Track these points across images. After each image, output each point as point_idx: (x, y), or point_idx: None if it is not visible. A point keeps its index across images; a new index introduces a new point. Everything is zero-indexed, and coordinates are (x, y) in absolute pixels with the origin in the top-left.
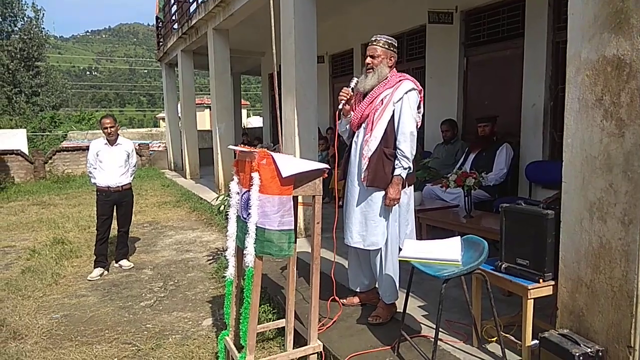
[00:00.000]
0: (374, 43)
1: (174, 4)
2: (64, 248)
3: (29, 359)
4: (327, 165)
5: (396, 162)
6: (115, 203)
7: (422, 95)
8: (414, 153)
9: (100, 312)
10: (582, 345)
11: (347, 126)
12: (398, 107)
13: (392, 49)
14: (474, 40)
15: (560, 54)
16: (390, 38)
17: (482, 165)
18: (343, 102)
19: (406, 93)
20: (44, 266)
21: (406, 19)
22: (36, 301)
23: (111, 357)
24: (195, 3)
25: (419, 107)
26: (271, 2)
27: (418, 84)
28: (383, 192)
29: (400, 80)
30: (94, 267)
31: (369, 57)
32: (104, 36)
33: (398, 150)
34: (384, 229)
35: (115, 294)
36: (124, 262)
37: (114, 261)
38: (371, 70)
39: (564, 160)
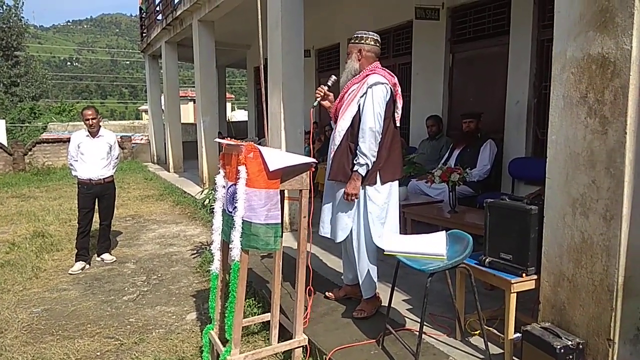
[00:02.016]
0: (349, 41)
1: None
2: (45, 241)
3: (9, 353)
4: (314, 160)
5: (355, 158)
6: (97, 196)
7: (397, 89)
8: (373, 149)
9: (82, 306)
10: (563, 338)
11: None
12: (362, 101)
13: (361, 42)
14: (459, 37)
15: (544, 52)
16: (362, 32)
17: (466, 161)
18: (318, 99)
19: (370, 87)
20: (24, 260)
21: (393, 14)
22: (16, 295)
23: (93, 351)
24: None
25: (394, 101)
26: None
27: (391, 77)
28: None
29: (367, 75)
30: (76, 261)
31: (347, 56)
32: (85, 26)
33: (358, 146)
34: (348, 224)
35: (97, 288)
36: (106, 256)
37: (95, 255)
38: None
39: (548, 157)
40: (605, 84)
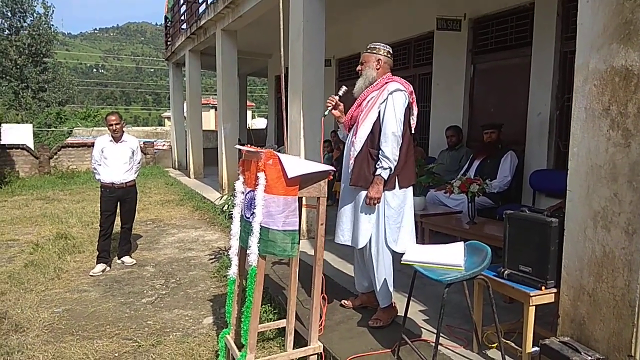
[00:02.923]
0: (364, 51)
1: (183, 4)
2: (67, 243)
3: (30, 351)
4: (332, 167)
5: (377, 162)
6: (119, 199)
7: (413, 97)
8: (395, 153)
9: (101, 307)
10: (582, 353)
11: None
12: (383, 107)
13: (379, 52)
14: (481, 47)
15: (567, 63)
16: (378, 43)
17: (486, 172)
18: (329, 108)
19: (391, 94)
20: (47, 260)
21: (414, 25)
22: (38, 295)
23: (112, 352)
24: (204, 4)
25: (410, 108)
26: (280, 4)
27: (407, 85)
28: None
29: (386, 82)
30: (97, 263)
31: (360, 65)
32: (111, 34)
33: (380, 150)
34: (369, 229)
35: (116, 290)
36: (127, 259)
37: (116, 257)
38: (361, 76)
39: (569, 169)
40: (628, 96)
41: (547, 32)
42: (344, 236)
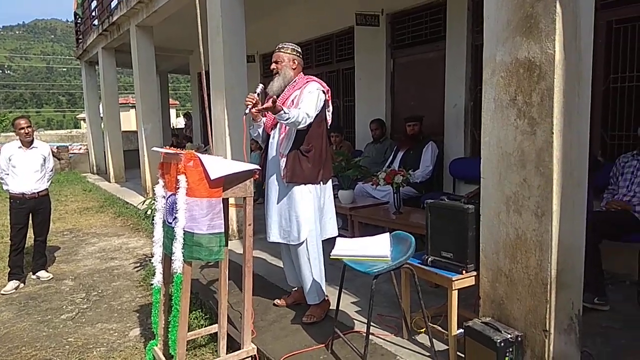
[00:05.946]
0: (277, 50)
1: None
2: None
3: None
4: (257, 166)
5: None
6: (30, 211)
7: (329, 95)
8: (297, 123)
9: (16, 327)
10: (502, 332)
11: (260, 130)
12: (301, 98)
13: (294, 53)
14: (399, 42)
15: (479, 56)
16: (289, 43)
17: (409, 163)
18: (249, 106)
19: (311, 92)
20: None
21: (335, 20)
22: None
23: None
24: None
25: (327, 106)
26: None
27: (324, 85)
28: (303, 187)
29: (307, 82)
30: (9, 280)
31: (273, 64)
32: (17, 32)
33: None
34: (306, 224)
35: (32, 308)
36: (42, 273)
37: (30, 273)
38: (277, 74)
39: (482, 157)
40: (532, 86)
41: (459, 27)
42: (280, 234)
